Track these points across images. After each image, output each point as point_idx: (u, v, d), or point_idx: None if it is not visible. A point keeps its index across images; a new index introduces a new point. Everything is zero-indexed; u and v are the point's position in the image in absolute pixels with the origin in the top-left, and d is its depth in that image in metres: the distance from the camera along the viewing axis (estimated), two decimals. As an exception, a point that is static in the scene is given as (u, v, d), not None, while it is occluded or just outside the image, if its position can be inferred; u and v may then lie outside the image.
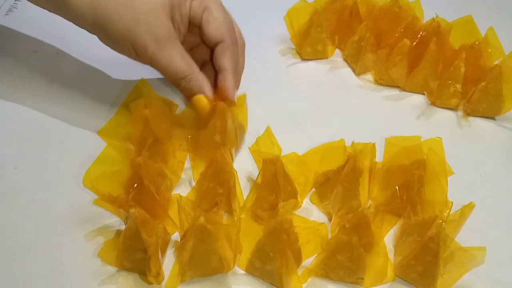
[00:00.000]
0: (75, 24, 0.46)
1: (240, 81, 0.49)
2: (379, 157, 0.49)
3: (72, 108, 0.54)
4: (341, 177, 0.46)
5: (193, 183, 0.48)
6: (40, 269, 0.42)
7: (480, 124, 0.58)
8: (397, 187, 0.46)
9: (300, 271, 0.43)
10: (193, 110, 0.48)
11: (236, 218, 0.44)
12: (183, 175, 0.49)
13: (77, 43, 0.61)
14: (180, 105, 0.53)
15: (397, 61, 0.58)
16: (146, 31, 0.42)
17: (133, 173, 0.44)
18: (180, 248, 0.42)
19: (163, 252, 0.43)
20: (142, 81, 0.52)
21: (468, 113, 0.58)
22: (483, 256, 0.40)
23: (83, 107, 0.54)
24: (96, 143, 0.48)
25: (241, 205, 0.46)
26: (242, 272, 0.43)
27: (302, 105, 0.58)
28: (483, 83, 0.56)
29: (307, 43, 0.61)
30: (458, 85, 0.57)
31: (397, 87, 0.61)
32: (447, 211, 0.42)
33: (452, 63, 0.56)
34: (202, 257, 0.41)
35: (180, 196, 0.43)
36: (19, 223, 0.45)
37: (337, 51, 0.65)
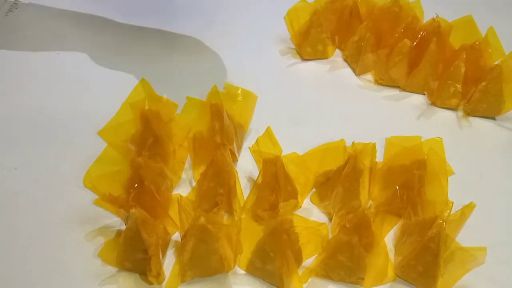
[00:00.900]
0: None
1: None
2: (379, 157, 0.49)
3: (72, 108, 0.54)
4: (341, 177, 0.46)
5: (194, 183, 0.48)
6: (40, 269, 0.42)
7: (480, 124, 0.58)
8: (397, 187, 0.46)
9: (300, 271, 0.43)
10: (193, 110, 0.48)
11: (236, 218, 0.44)
12: (183, 175, 0.49)
13: (77, 43, 0.61)
14: (180, 105, 0.52)
15: (397, 61, 0.58)
16: None
17: (133, 173, 0.44)
18: (180, 248, 0.42)
19: (164, 252, 0.43)
20: (142, 81, 0.52)
21: (468, 113, 0.58)
22: (483, 256, 0.40)
23: (83, 107, 0.54)
24: (96, 143, 0.48)
25: (241, 205, 0.46)
26: (243, 272, 0.43)
27: (302, 105, 0.58)
28: (483, 83, 0.56)
29: (307, 43, 0.61)
30: (458, 85, 0.57)
31: (397, 87, 0.61)
32: (448, 211, 0.42)
33: (452, 63, 0.56)
34: (203, 257, 0.41)
35: (181, 196, 0.43)
36: (19, 223, 0.44)
37: (337, 51, 0.65)
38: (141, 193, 0.43)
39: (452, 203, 0.44)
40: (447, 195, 0.46)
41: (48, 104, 0.54)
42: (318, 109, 0.57)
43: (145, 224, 0.40)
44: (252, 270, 0.43)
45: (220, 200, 0.44)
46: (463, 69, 0.56)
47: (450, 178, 0.47)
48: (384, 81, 0.61)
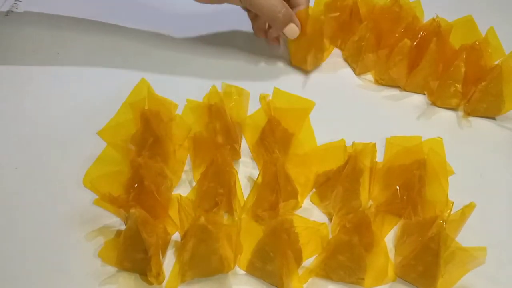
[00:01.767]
0: None
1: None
2: (379, 157, 0.49)
3: (72, 108, 0.54)
4: (341, 177, 0.45)
5: (194, 183, 0.48)
6: (40, 269, 0.42)
7: (480, 124, 0.58)
8: (397, 187, 0.46)
9: (300, 271, 0.43)
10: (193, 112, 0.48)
11: (236, 218, 0.44)
12: (183, 175, 0.49)
13: (77, 43, 0.61)
14: (180, 105, 0.52)
15: (397, 61, 0.58)
16: None
17: (133, 173, 0.44)
18: (180, 248, 0.42)
19: (164, 252, 0.43)
20: (142, 81, 0.52)
21: (469, 113, 0.58)
22: (483, 256, 0.40)
23: (83, 107, 0.54)
24: (96, 143, 0.48)
25: (241, 205, 0.46)
26: (243, 272, 0.43)
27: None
28: (483, 83, 0.56)
29: (310, 63, 0.61)
30: (458, 85, 0.57)
31: (398, 87, 0.61)
32: (448, 211, 0.42)
33: (452, 63, 0.56)
34: (203, 257, 0.41)
35: (181, 196, 0.43)
36: (19, 223, 0.44)
37: (337, 51, 0.64)
38: (141, 193, 0.43)
39: (452, 203, 0.44)
40: (447, 195, 0.46)
41: (48, 104, 0.54)
42: (318, 109, 0.57)
43: (145, 224, 0.40)
44: (252, 270, 0.43)
45: (220, 200, 0.44)
46: (463, 69, 0.56)
47: (450, 178, 0.47)
48: (384, 81, 0.61)
